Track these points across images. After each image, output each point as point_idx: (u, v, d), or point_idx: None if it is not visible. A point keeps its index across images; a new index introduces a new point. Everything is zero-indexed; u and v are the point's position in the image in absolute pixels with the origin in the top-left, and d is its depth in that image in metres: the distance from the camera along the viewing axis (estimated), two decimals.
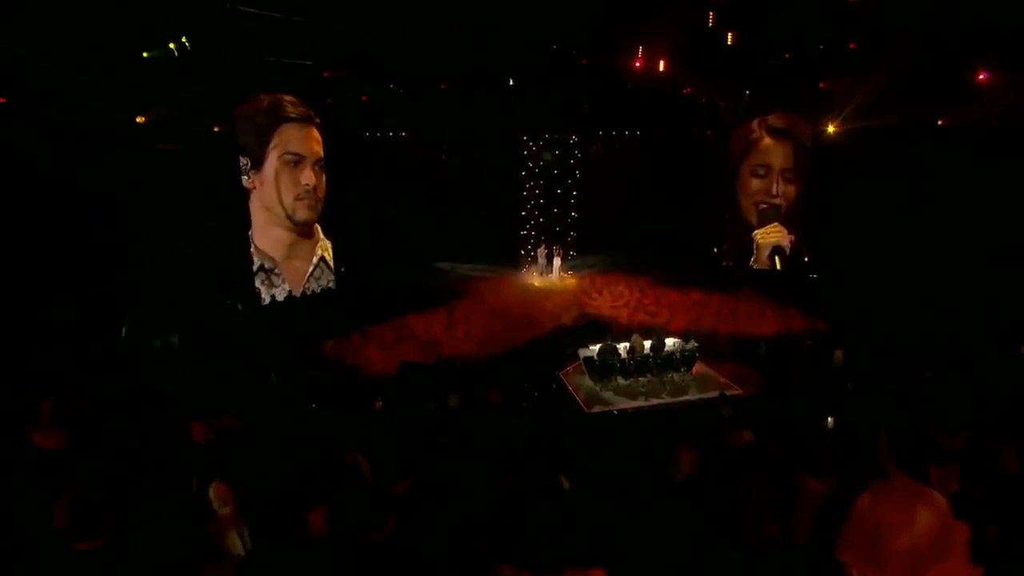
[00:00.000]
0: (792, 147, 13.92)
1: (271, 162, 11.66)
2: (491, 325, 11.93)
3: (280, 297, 12.67)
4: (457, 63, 12.74)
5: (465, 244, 15.47)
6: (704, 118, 15.68)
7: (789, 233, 14.20)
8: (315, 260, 13.10)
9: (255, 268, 11.99)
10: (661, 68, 12.42)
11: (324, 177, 12.62)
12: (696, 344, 9.88)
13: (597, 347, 9.73)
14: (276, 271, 12.28)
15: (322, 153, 12.47)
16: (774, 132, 14.08)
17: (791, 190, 14.20)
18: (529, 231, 16.39)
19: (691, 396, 9.33)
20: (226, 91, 10.42)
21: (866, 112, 13.06)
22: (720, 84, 14.16)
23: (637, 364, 9.57)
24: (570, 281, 15.52)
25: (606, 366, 9.43)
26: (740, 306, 13.65)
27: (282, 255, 12.35)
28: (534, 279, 15.64)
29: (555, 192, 16.29)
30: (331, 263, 13.49)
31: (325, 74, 11.39)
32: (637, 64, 12.70)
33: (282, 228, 12.22)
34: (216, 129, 11.18)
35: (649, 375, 9.70)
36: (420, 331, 11.67)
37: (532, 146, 15.94)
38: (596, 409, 8.90)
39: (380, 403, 7.42)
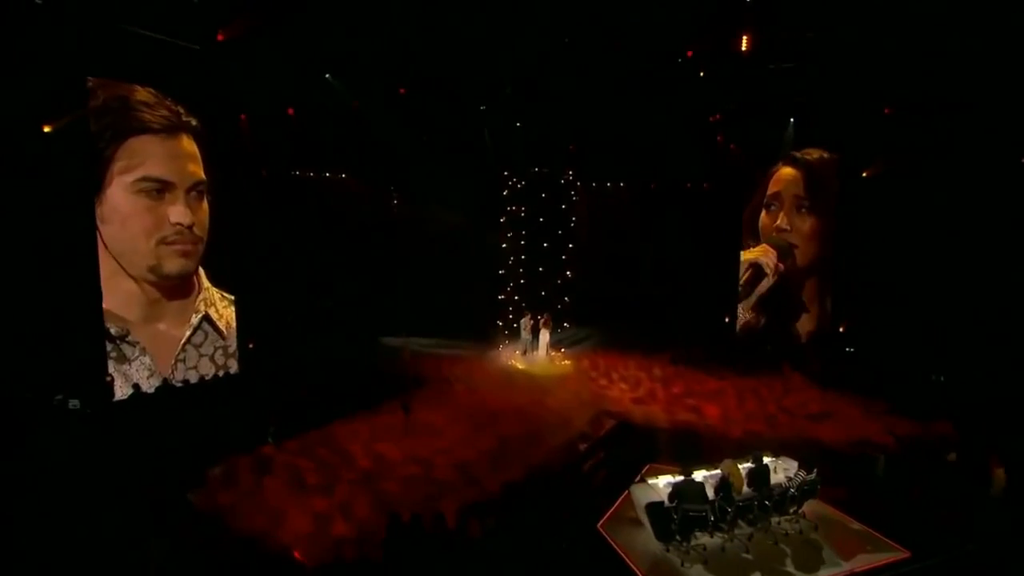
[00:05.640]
0: (804, 175, 12.41)
1: (117, 190, 7.65)
2: (471, 437, 7.69)
3: (148, 385, 8.46)
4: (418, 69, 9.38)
5: (424, 312, 11.41)
6: (721, 161, 12.93)
7: (778, 259, 12.73)
8: (195, 320, 8.94)
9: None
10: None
11: (206, 207, 8.69)
12: (816, 470, 6.04)
13: (663, 481, 5.73)
14: (129, 339, 8.10)
15: (202, 173, 8.59)
16: (787, 161, 12.53)
17: (805, 223, 12.53)
18: (508, 295, 12.50)
19: (835, 570, 5.37)
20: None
21: (936, 147, 10.51)
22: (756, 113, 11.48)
23: (737, 510, 5.59)
24: (564, 362, 11.70)
25: (689, 520, 5.38)
26: (802, 395, 10.20)
27: (139, 316, 8.20)
28: (515, 359, 11.70)
29: (541, 246, 12.56)
30: (221, 324, 9.42)
31: (220, 37, 7.32)
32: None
33: (137, 281, 8.07)
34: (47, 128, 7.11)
35: (748, 524, 5.76)
36: (356, 448, 7.26)
37: (515, 184, 12.33)
38: None
39: None
